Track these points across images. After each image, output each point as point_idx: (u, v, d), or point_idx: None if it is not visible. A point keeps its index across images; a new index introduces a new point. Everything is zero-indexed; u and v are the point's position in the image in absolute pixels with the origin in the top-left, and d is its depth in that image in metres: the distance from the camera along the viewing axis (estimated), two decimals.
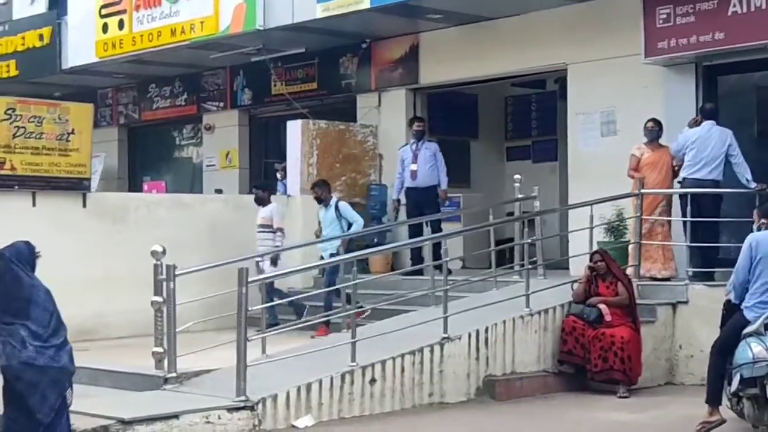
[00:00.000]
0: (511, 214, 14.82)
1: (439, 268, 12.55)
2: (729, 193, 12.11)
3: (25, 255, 7.22)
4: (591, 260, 11.59)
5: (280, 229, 13.59)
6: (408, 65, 16.48)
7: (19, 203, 12.87)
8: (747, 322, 8.47)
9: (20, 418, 7.05)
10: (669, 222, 12.38)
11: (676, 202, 12.47)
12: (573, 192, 14.39)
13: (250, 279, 9.51)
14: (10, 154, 12.80)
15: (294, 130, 16.09)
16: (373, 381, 9.98)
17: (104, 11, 18.26)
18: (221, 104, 19.69)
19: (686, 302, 11.83)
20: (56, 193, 13.20)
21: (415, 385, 10.30)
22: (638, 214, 12.22)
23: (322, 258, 13.12)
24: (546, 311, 11.41)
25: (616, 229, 13.03)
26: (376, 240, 15.70)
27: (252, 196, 14.34)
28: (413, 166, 14.87)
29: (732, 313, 8.79)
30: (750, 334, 8.37)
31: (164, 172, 21.32)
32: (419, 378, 10.34)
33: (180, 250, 12.58)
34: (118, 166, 21.77)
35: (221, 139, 19.74)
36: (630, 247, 12.46)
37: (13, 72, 20.17)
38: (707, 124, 12.13)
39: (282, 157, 17.88)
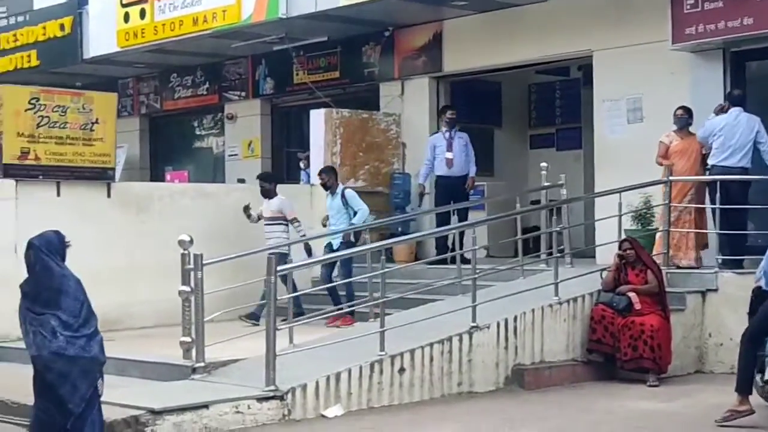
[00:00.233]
0: (535, 202, 14.77)
1: (463, 256, 12.54)
2: (758, 180, 11.97)
3: (54, 244, 7.19)
4: (620, 248, 11.49)
5: (295, 219, 13.41)
6: (431, 53, 16.37)
7: (43, 193, 12.84)
8: None
9: (51, 408, 7.02)
10: (697, 210, 12.25)
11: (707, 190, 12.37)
12: (599, 180, 14.28)
13: (279, 268, 9.45)
14: (34, 143, 12.75)
15: (317, 118, 16.01)
16: (402, 370, 9.94)
17: (126, 0, 18.19)
18: (243, 93, 19.62)
19: (716, 290, 11.75)
20: (80, 183, 13.14)
21: (444, 375, 10.26)
22: (666, 202, 12.10)
23: (330, 246, 12.94)
24: (575, 300, 11.34)
25: (643, 216, 12.92)
26: (400, 229, 15.65)
27: (283, 186, 14.28)
28: (449, 155, 14.86)
29: (761, 300, 8.72)
30: None
31: (186, 162, 21.29)
32: (448, 367, 10.29)
33: (204, 240, 12.56)
34: (139, 157, 21.74)
35: (243, 129, 19.67)
36: (657, 235, 12.35)
37: (34, 62, 20.13)
38: (735, 111, 12.01)
39: (304, 146, 17.81)
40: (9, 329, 12.03)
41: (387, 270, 10.37)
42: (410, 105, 16.70)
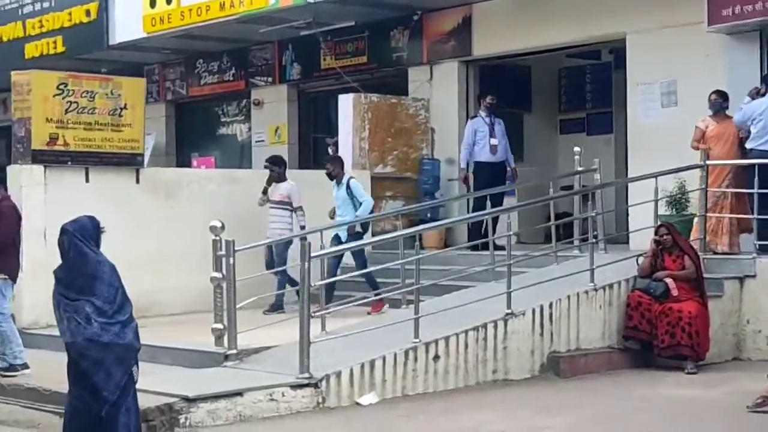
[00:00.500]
0: (566, 187, 14.60)
1: (495, 243, 12.39)
2: None
3: (89, 230, 7.09)
4: (657, 234, 11.32)
5: (301, 208, 13.14)
6: (461, 37, 16.19)
7: (72, 179, 12.74)
8: None
9: (85, 396, 6.94)
10: (735, 195, 12.05)
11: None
12: (632, 165, 14.11)
13: (313, 254, 9.33)
14: (63, 129, 12.65)
15: (346, 104, 15.87)
16: (436, 358, 9.81)
17: None
18: (270, 79, 19.50)
19: (753, 276, 11.55)
20: (109, 169, 13.03)
21: (479, 362, 10.13)
22: (703, 187, 11.91)
23: (337, 237, 12.70)
24: (610, 286, 11.18)
25: (678, 202, 12.74)
26: (429, 215, 15.51)
27: (305, 172, 14.16)
28: (493, 141, 14.76)
29: None
30: None
31: (212, 149, 21.18)
32: (483, 354, 10.16)
33: (233, 226, 12.48)
34: (165, 143, 21.65)
35: (270, 115, 19.55)
36: (694, 220, 12.17)
37: (60, 48, 20.05)
38: None
39: (331, 132, 17.72)
40: (38, 316, 12.07)
41: (421, 256, 10.20)
42: (439, 90, 16.53)
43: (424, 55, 16.72)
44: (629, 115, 14.42)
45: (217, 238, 10.22)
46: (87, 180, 12.90)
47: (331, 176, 13.05)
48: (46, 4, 20.34)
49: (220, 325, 10.04)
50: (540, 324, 10.60)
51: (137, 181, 13.37)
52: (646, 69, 13.96)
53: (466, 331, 10.05)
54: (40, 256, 11.74)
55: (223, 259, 10.01)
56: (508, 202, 14.58)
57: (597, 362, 10.85)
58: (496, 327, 10.27)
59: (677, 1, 13.46)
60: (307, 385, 9.01)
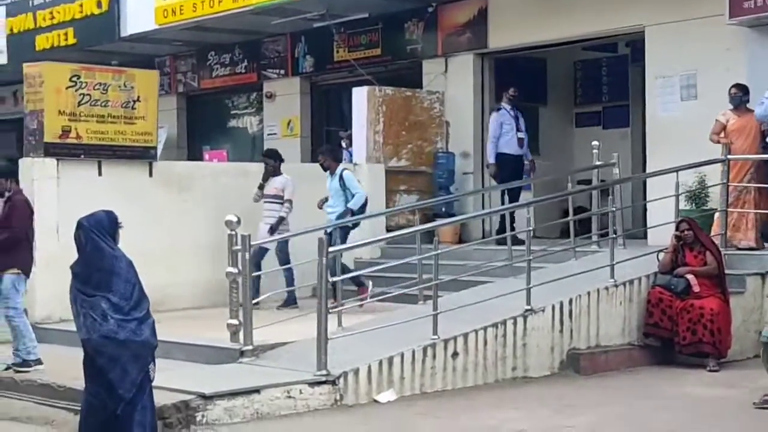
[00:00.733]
0: (582, 182, 14.43)
1: (513, 237, 12.24)
2: None
3: (105, 225, 6.98)
4: (678, 229, 11.16)
5: (289, 201, 12.97)
6: (476, 29, 16.02)
7: (84, 172, 12.60)
8: None
9: (101, 393, 6.84)
10: (758, 189, 11.88)
11: None
12: (651, 159, 13.96)
13: (330, 249, 9.19)
14: (76, 122, 12.51)
15: (360, 96, 15.71)
16: (455, 355, 9.68)
17: None
18: (282, 71, 19.35)
19: None
20: (122, 162, 12.91)
21: (498, 359, 10.00)
22: (725, 181, 11.74)
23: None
24: (631, 282, 11.03)
25: (697, 197, 12.58)
26: (444, 209, 15.36)
27: (317, 165, 14.00)
28: (520, 134, 14.70)
29: None
30: None
31: (223, 141, 21.06)
32: (502, 351, 10.02)
33: (247, 220, 12.33)
34: (177, 136, 21.52)
35: (282, 107, 19.40)
36: (716, 215, 12.00)
37: (71, 40, 19.89)
38: None
39: (344, 124, 17.58)
40: (51, 311, 11.96)
41: (440, 251, 10.05)
42: (454, 83, 16.37)
43: (439, 47, 16.56)
44: (648, 109, 14.25)
45: (233, 232, 10.08)
46: (100, 173, 12.78)
47: (324, 168, 12.85)
48: None
49: (235, 321, 9.89)
50: (560, 321, 10.46)
51: (150, 174, 13.24)
52: (665, 62, 13.78)
53: (485, 328, 9.91)
54: (52, 250, 11.64)
55: (239, 254, 9.87)
56: (524, 196, 14.43)
57: (617, 359, 10.71)
58: (515, 323, 10.13)
59: None
60: (324, 382, 8.88)
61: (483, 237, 15.33)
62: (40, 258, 11.39)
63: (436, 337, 9.58)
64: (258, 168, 14.96)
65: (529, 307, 10.22)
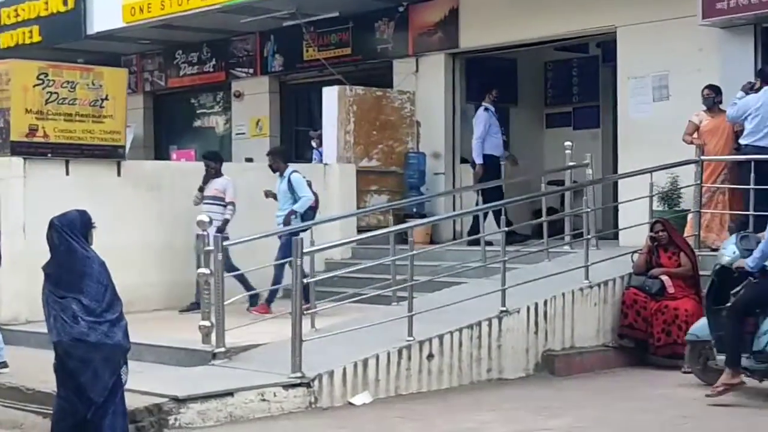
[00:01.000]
0: (553, 182, 14.34)
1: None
2: None
3: (77, 225, 6.86)
4: (652, 230, 11.14)
5: (232, 203, 12.69)
6: (447, 29, 15.95)
7: (52, 171, 12.41)
8: None
9: (72, 397, 6.73)
10: (731, 190, 11.87)
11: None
12: (623, 160, 13.92)
13: (304, 250, 9.06)
14: (43, 120, 12.31)
15: (330, 96, 15.60)
16: (430, 356, 9.60)
17: None
18: (251, 71, 19.21)
19: None
20: (90, 161, 12.72)
21: (474, 361, 9.93)
22: (698, 182, 11.71)
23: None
24: (605, 283, 11.00)
25: (669, 197, 12.56)
26: (415, 210, 15.29)
27: (296, 165, 13.87)
28: (503, 137, 14.85)
29: (733, 281, 9.08)
30: None
31: (191, 141, 20.85)
32: (477, 353, 9.96)
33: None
34: (143, 135, 21.27)
35: (251, 107, 19.26)
36: (689, 216, 11.98)
37: (36, 38, 19.64)
38: None
39: (314, 124, 17.47)
40: (17, 312, 11.78)
41: (415, 252, 9.95)
42: (425, 82, 16.30)
43: (410, 47, 16.48)
44: (620, 110, 14.23)
45: (205, 233, 9.95)
46: (67, 173, 12.60)
47: (273, 170, 12.54)
48: None
49: (207, 323, 9.75)
50: (535, 322, 10.41)
51: (119, 174, 13.08)
52: (638, 63, 13.75)
53: (461, 329, 9.84)
54: (19, 250, 11.44)
55: (211, 255, 9.72)
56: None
57: (592, 361, 10.67)
58: (490, 325, 10.06)
59: None
60: (299, 385, 8.77)
61: (454, 238, 15.28)
62: (6, 258, 11.15)
63: (411, 338, 9.49)
64: (229, 168, 14.82)
65: (504, 309, 10.16)
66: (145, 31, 18.63)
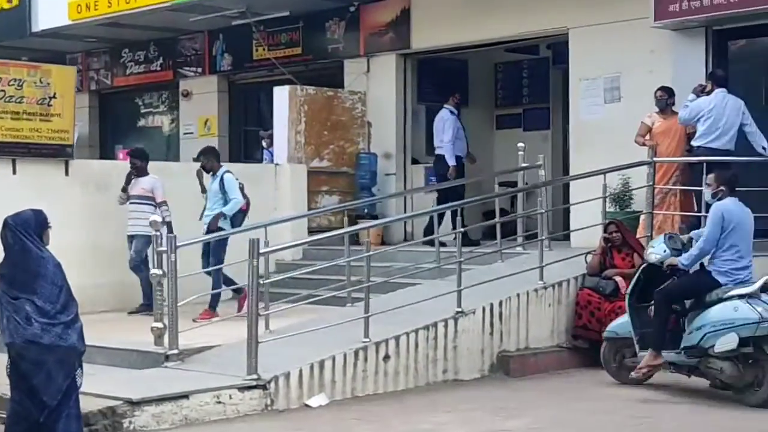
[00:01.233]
0: (504, 183, 14.34)
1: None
2: (745, 162, 11.67)
3: (32, 225, 6.75)
4: (606, 231, 11.16)
5: (165, 203, 12.46)
6: (399, 29, 15.90)
7: None
8: (716, 284, 9.05)
9: (25, 400, 6.59)
10: (683, 192, 11.94)
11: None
12: (575, 161, 13.94)
13: (261, 251, 8.96)
14: None
15: (281, 96, 15.47)
16: (387, 358, 9.55)
17: None
18: (199, 70, 19.02)
19: None
20: (38, 161, 12.52)
21: (429, 362, 9.90)
22: (650, 183, 11.77)
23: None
24: (559, 284, 11.01)
25: (621, 199, 12.61)
26: (366, 211, 15.22)
27: (236, 165, 13.77)
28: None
29: (657, 280, 9.39)
30: (740, 296, 8.85)
31: (138, 140, 20.45)
32: (433, 354, 9.92)
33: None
34: (89, 134, 20.97)
35: (199, 106, 19.06)
36: (641, 217, 12.03)
37: None
38: (721, 92, 11.71)
39: (263, 124, 17.35)
40: None
41: (372, 253, 9.89)
42: (376, 83, 16.23)
43: (361, 47, 16.41)
44: (571, 111, 14.25)
45: (158, 233, 9.81)
46: (14, 172, 12.42)
47: (206, 169, 12.23)
48: None
49: (160, 324, 9.63)
50: (490, 323, 10.40)
51: (66, 173, 12.88)
52: (589, 64, 13.78)
53: (417, 330, 9.80)
54: None
55: (164, 256, 9.59)
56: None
57: (547, 362, 10.68)
58: (446, 326, 10.03)
59: None
60: (255, 387, 8.67)
61: (405, 239, 15.26)
62: None
63: (367, 340, 9.43)
64: (180, 167, 14.72)
65: (459, 309, 10.13)
66: (91, 28, 18.38)
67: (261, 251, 9.00)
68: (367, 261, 9.74)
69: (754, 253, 9.77)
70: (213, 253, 11.61)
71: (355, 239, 12.20)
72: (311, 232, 14.22)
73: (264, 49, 17.61)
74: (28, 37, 18.72)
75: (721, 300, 9.01)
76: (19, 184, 12.16)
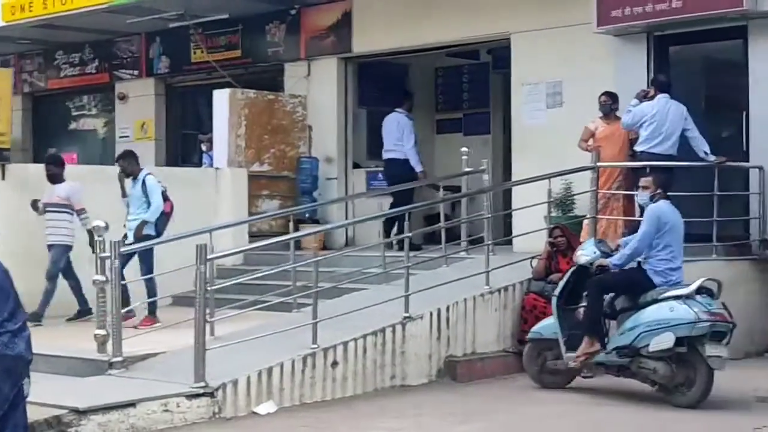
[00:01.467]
0: (447, 188, 14.32)
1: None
2: (687, 167, 11.81)
3: None
4: (551, 236, 11.20)
5: (84, 210, 12.18)
6: (340, 33, 15.84)
7: None
8: (650, 283, 9.25)
9: None
10: (626, 196, 12.01)
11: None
12: (517, 166, 13.99)
13: (209, 256, 8.83)
14: None
15: (221, 99, 15.32)
16: (335, 364, 9.46)
17: None
18: (136, 72, 18.79)
19: None
20: None
21: (377, 368, 9.83)
22: (594, 188, 11.82)
23: (126, 237, 11.51)
24: (505, 289, 11.02)
25: (563, 203, 12.65)
26: (308, 216, 15.12)
27: (174, 169, 13.59)
28: None
29: (585, 277, 9.64)
30: (676, 297, 9.01)
31: (72, 144, 20.29)
32: (381, 360, 9.86)
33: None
34: (21, 138, 20.57)
35: (136, 109, 18.83)
36: (585, 222, 12.08)
37: None
38: (663, 98, 11.82)
39: (201, 127, 17.19)
40: None
41: (320, 258, 9.81)
42: (317, 87, 16.15)
43: (302, 50, 16.32)
44: (513, 116, 14.29)
45: (101, 238, 9.64)
46: None
47: (127, 173, 11.97)
48: None
49: (103, 331, 9.45)
50: (437, 328, 10.36)
51: (3, 177, 12.62)
52: (532, 69, 13.83)
53: (365, 336, 9.73)
54: None
55: (108, 261, 9.42)
56: (385, 201, 14.32)
57: (493, 366, 10.67)
58: (394, 331, 9.98)
59: (563, 1, 13.38)
60: (202, 395, 8.53)
61: (347, 244, 15.19)
62: None
63: (315, 346, 9.34)
64: (115, 171, 14.43)
65: (407, 315, 10.09)
66: (25, 30, 18.09)
67: (208, 257, 8.84)
68: (315, 266, 9.64)
69: (689, 258, 9.97)
70: (143, 260, 11.41)
71: (297, 244, 12.11)
72: (252, 236, 14.10)
73: (203, 52, 17.44)
74: None
75: (656, 301, 9.17)
76: None
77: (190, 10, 16.52)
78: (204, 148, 16.22)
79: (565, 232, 11.19)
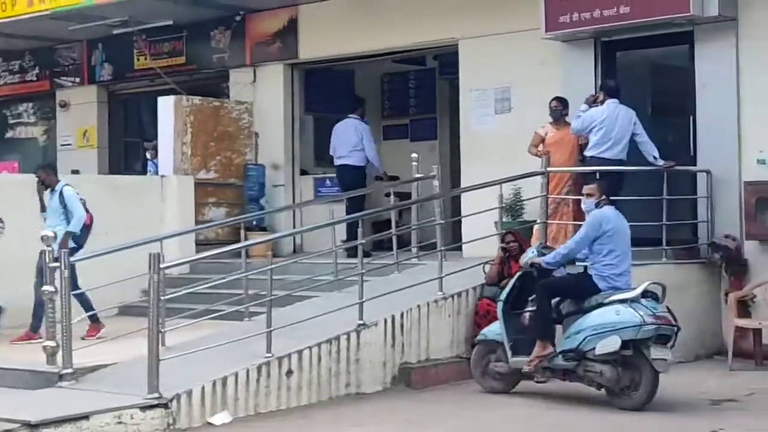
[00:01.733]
0: (397, 195, 14.27)
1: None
2: (636, 171, 11.88)
3: None
4: (503, 241, 11.18)
5: (1, 219, 11.86)
6: (286, 39, 15.72)
7: None
8: (595, 288, 9.35)
9: None
10: (575, 201, 12.05)
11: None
12: (466, 172, 13.97)
13: (162, 265, 8.69)
14: None
15: (166, 106, 15.14)
16: (290, 372, 9.38)
17: None
18: (77, 80, 18.52)
19: None
20: None
21: (332, 376, 9.75)
22: (544, 193, 11.84)
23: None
24: (459, 295, 10.99)
25: (512, 208, 12.66)
26: (255, 223, 14.99)
27: (117, 177, 13.38)
28: None
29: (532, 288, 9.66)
30: (622, 301, 9.09)
31: (12, 152, 19.89)
32: (336, 368, 9.78)
33: None
34: None
35: (78, 117, 18.55)
36: (535, 227, 12.10)
37: None
38: (612, 103, 11.87)
39: (145, 135, 17.00)
40: None
41: (275, 266, 9.69)
42: (263, 93, 16.02)
43: (248, 56, 16.18)
44: (462, 122, 14.27)
45: (49, 248, 9.46)
46: None
47: (45, 185, 11.66)
48: None
49: (53, 342, 9.27)
50: (392, 335, 10.31)
51: None
52: (480, 75, 13.83)
53: (320, 344, 9.65)
54: None
55: (57, 271, 9.24)
56: (336, 208, 14.22)
57: (447, 373, 10.61)
58: (348, 339, 9.90)
59: (511, 7, 13.39)
60: (156, 406, 8.39)
61: (294, 251, 15.09)
62: None
63: (270, 355, 9.24)
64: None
65: (362, 322, 10.02)
66: None
67: (161, 266, 8.70)
68: (269, 274, 9.53)
69: (639, 262, 10.02)
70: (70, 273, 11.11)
71: (246, 252, 11.97)
72: (198, 244, 13.96)
73: (146, 59, 17.24)
74: None
75: (601, 305, 9.24)
76: None
77: (134, 16, 16.28)
78: (149, 155, 16.02)
79: (517, 238, 11.18)
